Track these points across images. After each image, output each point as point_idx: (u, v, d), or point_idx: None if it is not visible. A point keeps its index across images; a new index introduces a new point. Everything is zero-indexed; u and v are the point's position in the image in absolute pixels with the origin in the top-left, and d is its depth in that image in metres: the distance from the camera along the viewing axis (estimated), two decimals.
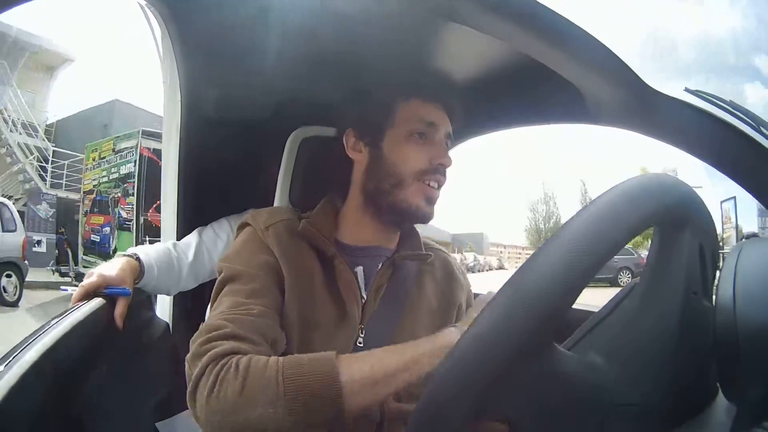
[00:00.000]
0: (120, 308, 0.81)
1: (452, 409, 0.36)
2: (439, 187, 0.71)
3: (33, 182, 11.11)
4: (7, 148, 10.98)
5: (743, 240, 0.45)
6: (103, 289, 0.81)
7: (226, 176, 1.17)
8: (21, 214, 7.15)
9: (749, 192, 0.60)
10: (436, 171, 0.70)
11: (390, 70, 0.84)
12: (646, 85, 0.61)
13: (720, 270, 0.40)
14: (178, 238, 1.12)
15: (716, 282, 0.39)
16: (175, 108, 1.04)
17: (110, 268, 0.85)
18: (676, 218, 0.38)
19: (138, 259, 0.90)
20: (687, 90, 0.62)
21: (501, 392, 0.36)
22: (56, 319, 0.70)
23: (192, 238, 1.07)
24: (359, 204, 0.74)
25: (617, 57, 0.58)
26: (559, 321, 0.34)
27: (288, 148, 0.95)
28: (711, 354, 0.37)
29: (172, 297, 1.15)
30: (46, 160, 11.62)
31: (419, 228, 0.78)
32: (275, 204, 0.98)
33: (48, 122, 13.11)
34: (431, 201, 0.71)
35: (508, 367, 0.34)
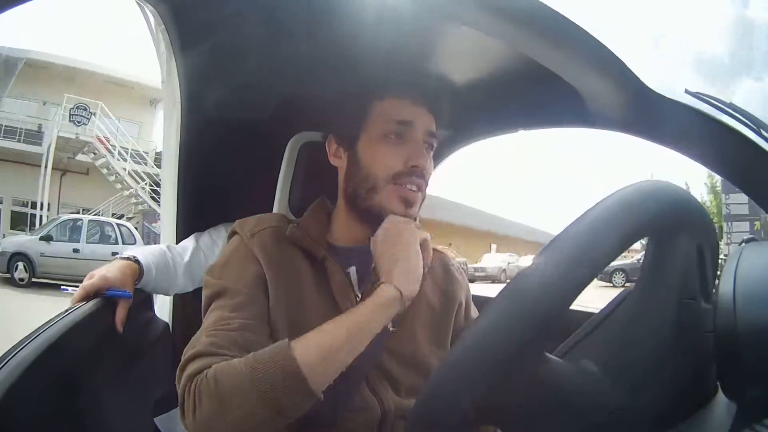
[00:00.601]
0: (121, 313, 0.81)
1: (448, 410, 0.36)
2: (419, 189, 0.69)
3: (146, 204, 12.47)
4: (116, 176, 12.27)
5: (743, 244, 0.45)
6: (104, 291, 0.81)
7: (226, 179, 1.17)
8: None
9: (748, 195, 0.60)
10: (412, 173, 0.67)
11: (366, 69, 0.82)
12: (647, 87, 0.61)
13: (720, 273, 0.40)
14: (177, 242, 1.12)
15: (717, 284, 0.39)
16: (174, 109, 1.04)
17: (111, 270, 0.85)
18: (670, 223, 0.39)
19: (137, 261, 0.90)
20: (687, 92, 0.62)
21: (495, 396, 0.36)
22: (56, 319, 0.70)
23: (189, 242, 1.07)
24: (344, 208, 0.73)
25: (618, 58, 0.58)
26: (551, 328, 0.34)
27: (288, 153, 0.95)
28: (707, 359, 0.37)
29: (171, 297, 1.15)
30: (159, 185, 12.83)
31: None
32: (275, 209, 0.98)
33: (158, 150, 14.71)
34: (409, 203, 0.68)
35: (501, 373, 0.34)
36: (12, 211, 12.45)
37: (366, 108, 0.70)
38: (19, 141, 11.90)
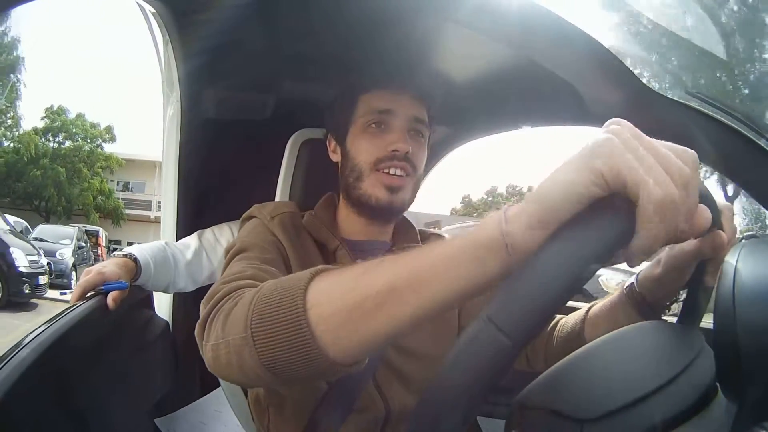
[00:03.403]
0: (115, 293, 0.79)
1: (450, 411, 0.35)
2: (406, 174, 0.69)
3: None
4: None
5: (743, 240, 0.45)
6: (100, 286, 0.80)
7: (226, 178, 1.17)
8: None
9: (749, 193, 0.60)
10: (393, 158, 0.68)
11: (352, 66, 0.83)
12: (646, 86, 0.61)
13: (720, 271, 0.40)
14: (177, 240, 1.11)
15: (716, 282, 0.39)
16: (174, 109, 1.04)
17: (108, 266, 0.84)
18: None
19: (134, 258, 0.89)
20: (687, 92, 0.62)
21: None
22: (56, 318, 0.69)
23: (191, 240, 1.06)
24: (344, 202, 0.75)
25: (617, 58, 0.58)
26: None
27: (288, 151, 0.95)
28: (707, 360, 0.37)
29: (172, 296, 1.15)
30: None
31: None
32: None
33: None
34: (393, 189, 0.68)
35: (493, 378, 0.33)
36: None
37: (353, 103, 0.72)
38: None
